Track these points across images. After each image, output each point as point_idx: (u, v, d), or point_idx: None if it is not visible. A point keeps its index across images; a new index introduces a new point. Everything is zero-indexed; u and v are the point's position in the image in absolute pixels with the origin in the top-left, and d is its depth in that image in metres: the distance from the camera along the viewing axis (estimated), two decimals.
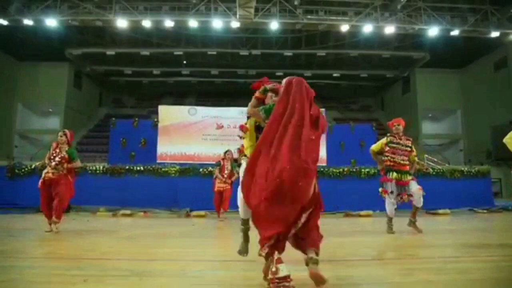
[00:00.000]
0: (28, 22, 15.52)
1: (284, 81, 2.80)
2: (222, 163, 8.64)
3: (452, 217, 9.32)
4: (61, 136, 5.90)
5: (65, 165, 5.78)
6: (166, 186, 10.30)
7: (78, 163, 6.07)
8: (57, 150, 5.84)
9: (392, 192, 5.79)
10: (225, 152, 8.76)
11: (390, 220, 5.85)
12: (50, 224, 5.67)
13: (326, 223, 8.06)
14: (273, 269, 1.99)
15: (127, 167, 10.54)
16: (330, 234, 6.14)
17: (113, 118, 14.28)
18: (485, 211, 10.45)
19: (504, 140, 4.52)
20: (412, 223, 5.89)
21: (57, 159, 5.77)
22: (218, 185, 8.48)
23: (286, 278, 1.98)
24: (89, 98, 25.61)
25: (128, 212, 9.41)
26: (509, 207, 11.56)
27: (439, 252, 4.21)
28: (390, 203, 5.83)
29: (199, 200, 9.98)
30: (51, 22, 15.61)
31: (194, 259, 3.76)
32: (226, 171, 8.52)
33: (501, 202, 12.50)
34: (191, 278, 2.87)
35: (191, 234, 6.15)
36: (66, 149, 5.87)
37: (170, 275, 2.99)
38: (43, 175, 5.80)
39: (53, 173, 5.72)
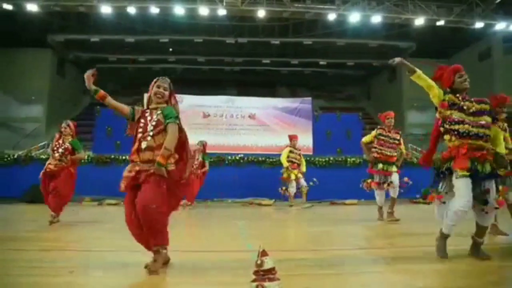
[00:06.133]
0: (7, 7, 15.05)
1: None
2: (193, 152, 8.64)
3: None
4: (65, 128, 5.78)
5: (68, 157, 5.66)
6: None
7: (82, 155, 5.98)
8: (60, 141, 5.72)
9: (379, 183, 6.05)
10: (199, 142, 8.70)
11: (380, 208, 6.10)
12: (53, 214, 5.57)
13: (312, 211, 8.17)
14: (258, 262, 2.01)
15: (112, 156, 10.45)
16: (316, 224, 6.23)
17: (98, 107, 14.06)
18: None
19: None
20: (390, 213, 6.02)
21: (60, 150, 5.64)
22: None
23: (271, 270, 2.01)
24: (73, 85, 25.07)
25: (113, 201, 9.34)
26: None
27: (420, 241, 4.29)
28: (378, 193, 6.09)
29: None
30: (32, 7, 15.17)
31: (175, 249, 3.77)
32: (196, 162, 8.42)
33: None
34: (176, 269, 2.89)
35: (175, 225, 6.14)
36: (70, 140, 5.75)
37: None
38: (45, 166, 5.69)
39: (55, 165, 5.61)
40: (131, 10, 15.54)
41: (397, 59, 3.31)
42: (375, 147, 6.11)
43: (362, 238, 4.70)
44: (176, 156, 2.98)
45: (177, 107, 3.14)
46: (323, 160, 10.86)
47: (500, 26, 16.34)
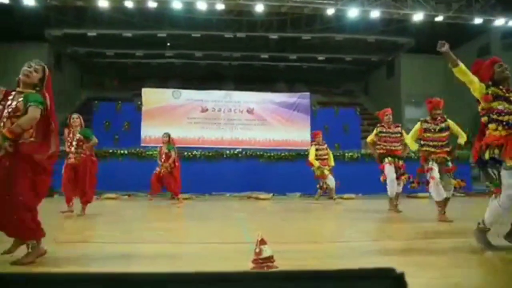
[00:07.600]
0: (4, 1, 14.94)
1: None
2: (160, 147, 8.75)
3: (431, 200, 9.54)
4: (76, 119, 6.00)
5: (84, 146, 5.82)
6: (150, 170, 10.24)
7: (94, 140, 6.04)
8: (71, 135, 5.91)
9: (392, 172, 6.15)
10: (164, 134, 8.75)
11: (391, 199, 6.29)
12: (68, 206, 5.74)
13: (310, 205, 8.20)
14: (257, 250, 2.03)
15: (110, 151, 10.44)
16: (315, 217, 6.27)
17: (96, 101, 14.04)
18: (463, 194, 10.74)
19: (406, 141, 4.93)
20: (395, 206, 6.20)
21: (74, 143, 5.84)
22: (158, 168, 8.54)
23: (270, 258, 2.02)
24: (70, 80, 24.98)
25: (112, 195, 9.35)
26: (486, 191, 11.91)
27: (422, 234, 4.32)
28: (389, 185, 6.14)
29: (184, 183, 9.98)
30: (29, 1, 15.07)
31: (178, 241, 3.79)
32: (162, 155, 8.55)
33: (479, 186, 12.84)
34: (176, 260, 2.90)
35: (175, 217, 6.17)
36: (79, 130, 5.94)
37: (155, 256, 3.01)
38: (66, 161, 5.86)
39: (75, 158, 5.79)
40: (129, 4, 15.46)
41: (446, 46, 3.27)
42: (379, 144, 6.35)
43: (362, 231, 4.72)
44: (34, 134, 2.71)
45: (47, 99, 2.85)
46: None
47: (499, 22, 16.34)
